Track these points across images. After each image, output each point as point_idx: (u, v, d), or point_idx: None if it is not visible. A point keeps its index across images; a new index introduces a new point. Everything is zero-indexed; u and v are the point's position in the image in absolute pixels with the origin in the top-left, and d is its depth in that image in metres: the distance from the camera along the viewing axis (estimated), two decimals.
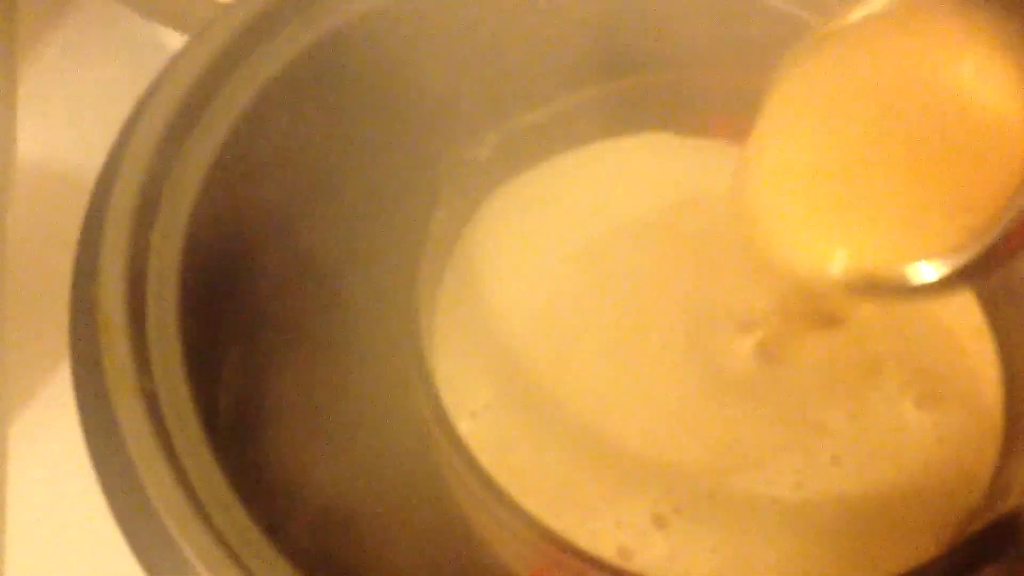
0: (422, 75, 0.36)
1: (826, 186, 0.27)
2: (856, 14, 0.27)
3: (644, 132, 0.37)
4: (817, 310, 0.31)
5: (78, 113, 0.44)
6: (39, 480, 0.36)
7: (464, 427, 0.30)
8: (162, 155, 0.30)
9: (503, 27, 0.37)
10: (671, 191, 0.36)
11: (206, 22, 0.33)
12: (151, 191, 0.30)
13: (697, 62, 0.36)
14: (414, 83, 0.36)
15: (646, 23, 0.37)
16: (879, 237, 0.26)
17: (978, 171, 0.25)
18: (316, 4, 0.34)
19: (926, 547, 0.29)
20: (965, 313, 0.33)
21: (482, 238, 0.35)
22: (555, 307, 0.33)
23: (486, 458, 0.28)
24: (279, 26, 0.34)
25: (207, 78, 0.32)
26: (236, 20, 0.33)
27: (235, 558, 0.25)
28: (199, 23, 0.33)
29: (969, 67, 0.25)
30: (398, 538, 0.33)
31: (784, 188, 0.28)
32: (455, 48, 0.36)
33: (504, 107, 0.35)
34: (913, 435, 0.31)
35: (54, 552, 0.35)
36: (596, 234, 0.35)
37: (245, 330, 0.34)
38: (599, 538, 0.29)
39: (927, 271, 0.25)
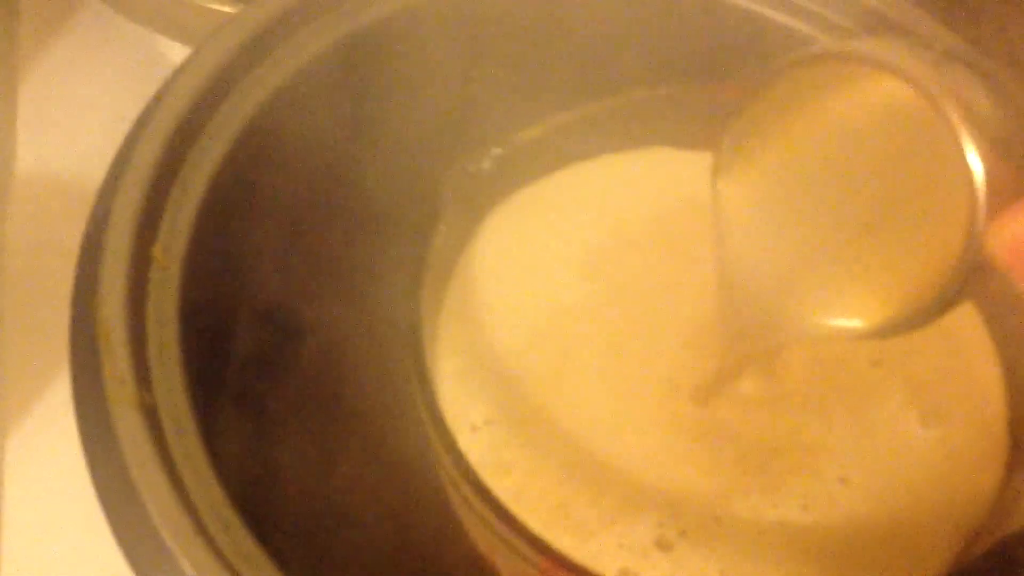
0: (426, 90, 0.36)
1: (795, 257, 0.28)
2: (782, 84, 0.28)
3: (644, 147, 0.37)
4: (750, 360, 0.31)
5: (79, 124, 0.44)
6: (36, 491, 0.36)
7: (465, 443, 0.30)
8: (165, 167, 0.30)
9: (506, 44, 0.37)
10: (672, 205, 0.36)
11: (209, 34, 0.33)
12: (153, 204, 0.30)
13: (697, 77, 0.36)
14: (418, 98, 0.36)
15: (647, 40, 0.37)
16: (867, 295, 0.27)
17: (930, 219, 0.25)
18: (320, 18, 0.34)
19: (935, 565, 0.29)
20: (968, 329, 0.33)
21: (484, 252, 0.35)
22: (558, 322, 0.33)
23: (487, 475, 0.28)
24: (282, 40, 0.34)
25: (210, 91, 0.32)
26: (239, 33, 0.32)
27: (234, 573, 0.25)
28: (202, 35, 0.33)
29: (900, 122, 0.26)
30: (398, 553, 0.33)
31: (763, 266, 0.28)
32: (458, 63, 0.36)
33: (507, 122, 0.35)
34: (919, 452, 0.31)
35: (51, 564, 0.35)
36: (598, 248, 0.35)
37: (246, 344, 0.34)
38: (600, 560, 0.29)
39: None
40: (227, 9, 0.39)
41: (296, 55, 0.34)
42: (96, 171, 0.31)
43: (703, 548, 0.29)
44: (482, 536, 0.31)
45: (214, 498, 0.27)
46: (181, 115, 0.31)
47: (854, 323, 0.27)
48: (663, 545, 0.29)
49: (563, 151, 0.36)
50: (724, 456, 0.31)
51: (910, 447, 0.31)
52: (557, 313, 0.33)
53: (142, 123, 0.31)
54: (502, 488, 0.28)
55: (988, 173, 0.23)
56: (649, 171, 0.36)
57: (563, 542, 0.28)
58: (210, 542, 0.26)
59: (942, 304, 0.25)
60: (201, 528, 0.26)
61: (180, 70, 0.32)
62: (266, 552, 0.26)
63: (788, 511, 0.30)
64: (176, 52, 0.44)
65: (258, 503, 0.28)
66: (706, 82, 0.36)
